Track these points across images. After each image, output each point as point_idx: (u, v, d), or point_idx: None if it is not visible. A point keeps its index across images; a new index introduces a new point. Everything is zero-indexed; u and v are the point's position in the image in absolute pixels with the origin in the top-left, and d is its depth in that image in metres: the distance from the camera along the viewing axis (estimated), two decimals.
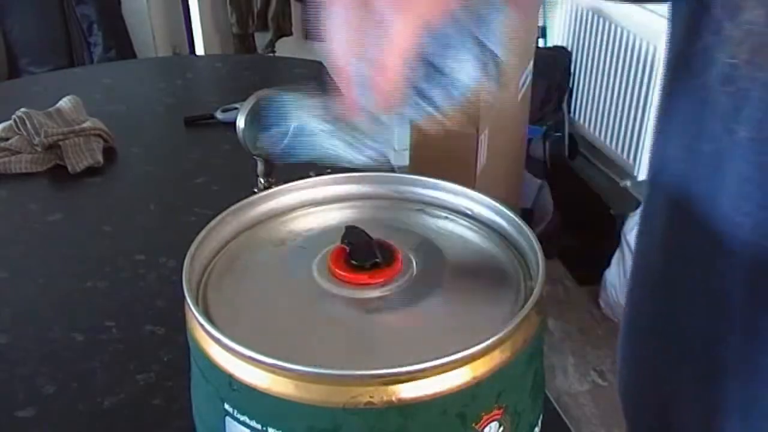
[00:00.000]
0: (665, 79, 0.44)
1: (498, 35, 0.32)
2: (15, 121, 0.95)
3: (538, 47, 2.30)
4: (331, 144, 0.34)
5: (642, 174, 2.02)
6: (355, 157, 0.34)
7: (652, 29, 1.95)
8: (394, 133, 0.35)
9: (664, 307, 0.47)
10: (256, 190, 0.70)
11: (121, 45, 2.45)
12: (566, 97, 2.46)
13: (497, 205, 0.38)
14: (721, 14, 0.34)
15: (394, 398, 0.28)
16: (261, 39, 2.51)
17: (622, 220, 1.88)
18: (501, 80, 0.32)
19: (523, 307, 0.31)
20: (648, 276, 0.49)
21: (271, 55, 2.47)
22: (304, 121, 0.35)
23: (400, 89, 0.32)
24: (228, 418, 0.31)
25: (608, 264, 1.89)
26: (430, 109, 0.33)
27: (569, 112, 2.48)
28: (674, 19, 0.43)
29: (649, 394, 0.50)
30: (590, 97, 2.42)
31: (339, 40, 0.31)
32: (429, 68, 0.32)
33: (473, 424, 0.30)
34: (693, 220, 0.41)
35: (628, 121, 2.14)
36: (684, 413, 0.46)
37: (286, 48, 2.50)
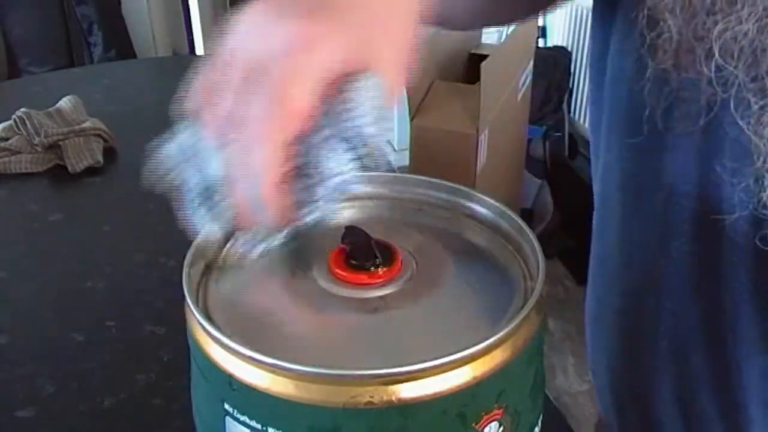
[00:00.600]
0: (597, 83, 0.48)
1: (366, 116, 0.32)
2: (15, 121, 0.95)
3: (538, 47, 2.30)
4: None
5: None
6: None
7: None
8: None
9: (627, 292, 0.49)
10: None
11: (121, 45, 2.45)
12: (566, 97, 2.45)
13: (497, 205, 0.39)
14: (644, 27, 0.38)
15: (394, 398, 0.28)
16: None
17: None
18: (374, 159, 0.33)
19: (523, 307, 0.31)
20: (608, 261, 0.51)
21: None
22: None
23: (285, 203, 0.32)
24: (228, 418, 0.31)
25: None
26: (317, 212, 0.33)
27: (569, 112, 2.48)
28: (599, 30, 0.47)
29: (622, 372, 0.52)
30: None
31: (227, 163, 0.32)
32: (303, 173, 0.32)
33: (473, 424, 0.30)
34: (642, 206, 0.45)
35: None
36: (657, 387, 0.48)
37: None
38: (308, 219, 0.33)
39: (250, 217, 0.32)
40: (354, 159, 0.32)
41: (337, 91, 0.32)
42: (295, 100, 0.31)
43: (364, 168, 0.32)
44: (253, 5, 0.33)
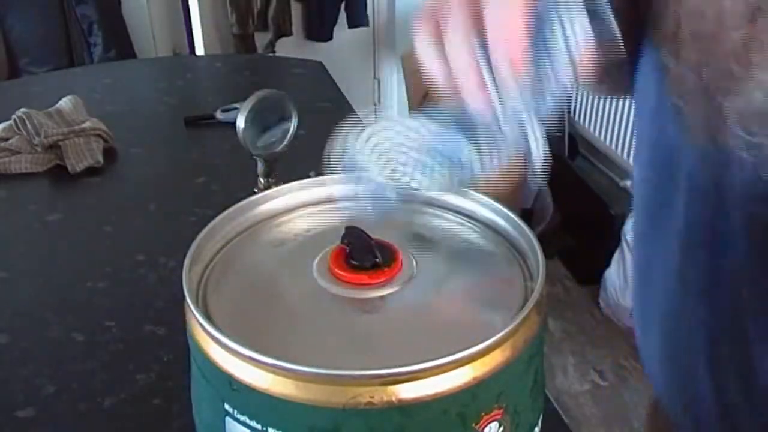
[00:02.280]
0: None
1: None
2: (15, 121, 0.95)
3: None
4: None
5: None
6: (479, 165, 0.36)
7: None
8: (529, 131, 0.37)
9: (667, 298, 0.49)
10: (256, 190, 0.70)
11: (121, 45, 2.45)
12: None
13: (497, 205, 0.39)
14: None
15: (394, 398, 0.28)
16: (261, 39, 2.51)
17: (622, 220, 1.88)
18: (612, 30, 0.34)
19: (523, 307, 0.31)
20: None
21: (271, 55, 2.47)
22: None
23: (526, 50, 0.33)
24: (228, 418, 0.31)
25: (608, 264, 1.89)
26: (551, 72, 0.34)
27: (569, 112, 2.48)
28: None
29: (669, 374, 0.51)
30: (590, 97, 2.42)
31: (456, 32, 0.33)
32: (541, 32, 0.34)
33: (473, 424, 0.30)
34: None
35: (628, 121, 2.14)
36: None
37: (286, 48, 2.50)
38: (538, 72, 0.34)
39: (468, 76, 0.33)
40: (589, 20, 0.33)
41: None
42: None
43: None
44: None
